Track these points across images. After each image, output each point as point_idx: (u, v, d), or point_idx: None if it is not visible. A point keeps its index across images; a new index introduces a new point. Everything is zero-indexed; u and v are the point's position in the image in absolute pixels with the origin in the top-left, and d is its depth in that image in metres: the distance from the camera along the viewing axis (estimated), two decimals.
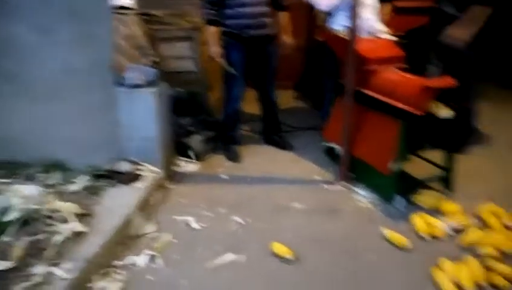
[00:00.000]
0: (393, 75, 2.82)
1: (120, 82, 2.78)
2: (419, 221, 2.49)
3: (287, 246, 2.30)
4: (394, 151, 2.63)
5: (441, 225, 2.46)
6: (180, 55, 3.67)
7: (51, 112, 2.96)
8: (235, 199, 2.87)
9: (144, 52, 3.15)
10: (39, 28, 2.78)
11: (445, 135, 2.71)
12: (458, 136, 2.88)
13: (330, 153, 3.34)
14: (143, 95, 2.77)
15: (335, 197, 2.89)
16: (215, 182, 3.14)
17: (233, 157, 3.50)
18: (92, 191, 2.65)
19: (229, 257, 2.26)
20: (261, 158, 3.52)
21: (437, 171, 2.92)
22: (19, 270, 1.89)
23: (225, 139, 3.62)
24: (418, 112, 2.46)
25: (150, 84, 2.80)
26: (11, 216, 2.19)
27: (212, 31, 3.24)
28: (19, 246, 2.01)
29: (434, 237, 2.41)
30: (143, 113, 2.81)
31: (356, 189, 2.95)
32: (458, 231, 2.45)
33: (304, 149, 3.64)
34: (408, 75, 2.77)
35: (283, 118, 3.82)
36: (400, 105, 2.58)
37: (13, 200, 2.28)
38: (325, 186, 3.03)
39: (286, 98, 4.61)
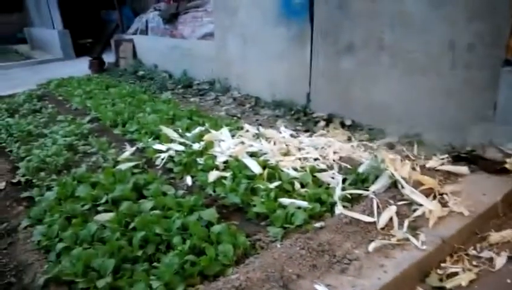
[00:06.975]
0: None
1: (508, 61, 2.50)
2: None
3: None
4: None
5: None
6: None
7: (417, 85, 3.03)
8: None
9: None
10: (431, 1, 2.81)
11: None
12: None
13: None
14: None
15: None
16: None
17: None
18: (450, 172, 2.58)
19: None
20: None
21: None
22: (383, 229, 2.06)
23: None
24: None
25: None
26: (382, 180, 2.41)
27: None
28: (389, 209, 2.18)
29: None
30: None
31: None
32: None
33: None
34: None
35: None
36: None
37: (381, 164, 2.48)
38: None
39: None
